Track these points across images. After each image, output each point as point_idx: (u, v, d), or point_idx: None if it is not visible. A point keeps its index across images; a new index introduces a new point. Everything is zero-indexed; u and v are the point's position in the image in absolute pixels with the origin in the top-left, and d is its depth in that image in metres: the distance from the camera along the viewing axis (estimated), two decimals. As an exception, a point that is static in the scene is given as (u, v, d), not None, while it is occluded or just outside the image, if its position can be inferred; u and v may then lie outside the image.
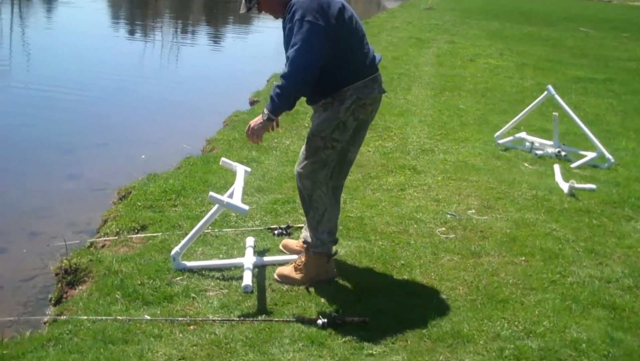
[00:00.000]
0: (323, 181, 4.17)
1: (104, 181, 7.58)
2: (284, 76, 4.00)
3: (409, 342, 3.78)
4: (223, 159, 5.16)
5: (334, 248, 4.47)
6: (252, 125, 4.15)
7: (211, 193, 4.42)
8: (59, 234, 5.95)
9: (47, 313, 4.75)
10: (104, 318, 3.98)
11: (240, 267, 4.62)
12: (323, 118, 4.11)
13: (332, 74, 4.06)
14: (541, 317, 4.08)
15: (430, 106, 10.54)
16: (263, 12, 4.28)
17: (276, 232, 5.26)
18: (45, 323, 4.45)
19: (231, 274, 4.58)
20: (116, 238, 5.35)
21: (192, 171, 6.87)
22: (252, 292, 4.32)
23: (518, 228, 5.50)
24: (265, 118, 4.08)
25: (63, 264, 4.90)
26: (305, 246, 4.43)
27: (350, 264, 4.75)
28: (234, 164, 5.04)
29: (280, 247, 4.96)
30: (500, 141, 8.20)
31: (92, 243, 5.51)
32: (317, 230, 4.22)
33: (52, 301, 4.87)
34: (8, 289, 5.13)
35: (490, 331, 3.89)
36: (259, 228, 5.36)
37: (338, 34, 4.01)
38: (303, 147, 4.34)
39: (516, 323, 4.00)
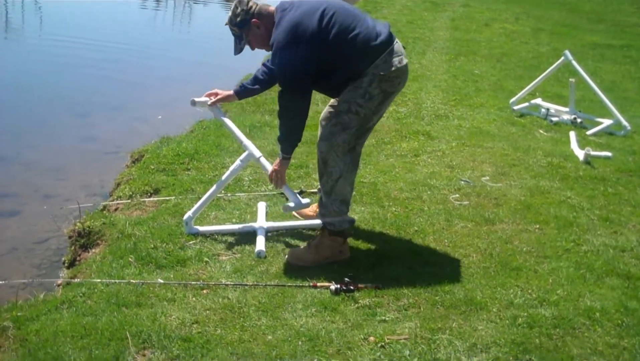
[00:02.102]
0: (341, 144, 4.07)
1: (117, 143, 7.58)
2: (280, 122, 4.13)
3: (421, 309, 3.77)
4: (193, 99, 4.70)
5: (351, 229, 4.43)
6: (274, 170, 4.28)
7: (286, 205, 4.45)
8: (73, 196, 5.95)
9: (61, 275, 4.78)
10: (117, 281, 3.99)
11: (253, 232, 4.61)
12: (348, 90, 4.05)
13: (341, 72, 4.05)
14: (555, 285, 4.07)
15: (444, 71, 10.45)
16: (256, 48, 4.32)
17: (289, 197, 5.24)
18: (59, 285, 4.47)
19: (244, 239, 4.57)
20: (129, 201, 5.36)
21: (205, 134, 6.84)
22: (265, 257, 4.32)
23: (532, 195, 5.46)
24: (281, 159, 4.23)
25: (76, 227, 4.91)
26: (321, 227, 4.41)
27: (364, 230, 4.74)
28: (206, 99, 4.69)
29: (294, 212, 4.94)
30: (516, 107, 8.13)
31: (105, 206, 5.53)
32: (329, 196, 4.16)
33: (66, 264, 4.90)
34: (22, 251, 5.16)
35: (503, 299, 3.87)
36: (272, 193, 5.34)
37: (327, 42, 3.96)
38: (325, 110, 4.32)
39: (529, 291, 3.98)
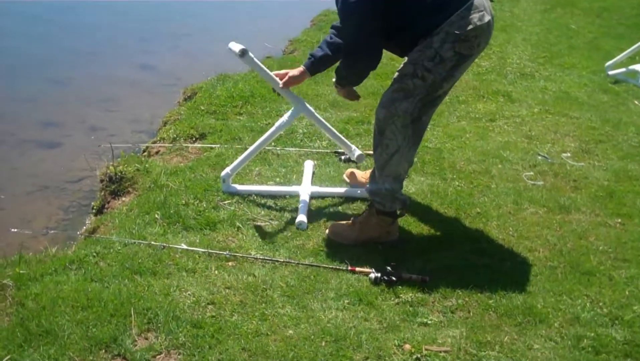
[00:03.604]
0: (402, 114, 3.47)
1: (176, 74, 7.19)
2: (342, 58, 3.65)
3: (470, 313, 3.25)
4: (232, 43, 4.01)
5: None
6: (294, 75, 3.90)
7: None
8: (119, 131, 5.66)
9: (87, 221, 4.45)
10: (137, 241, 3.62)
11: (296, 196, 4.16)
12: (417, 49, 3.43)
13: (408, 28, 3.43)
14: (631, 299, 3.46)
15: (537, 22, 9.65)
16: None
17: (343, 157, 4.74)
18: (81, 234, 4.14)
19: (285, 203, 4.14)
20: (171, 145, 4.96)
21: (265, 75, 6.36)
22: (305, 229, 3.86)
23: (618, 180, 4.80)
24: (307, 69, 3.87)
25: (109, 171, 4.55)
26: (369, 201, 3.89)
27: (419, 205, 4.22)
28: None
29: (344, 176, 4.45)
30: (611, 72, 7.34)
31: (146, 148, 5.16)
32: (382, 172, 3.62)
33: (94, 210, 4.57)
34: (52, 190, 4.86)
35: (568, 311, 3.31)
36: (325, 151, 4.86)
37: None
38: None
39: (601, 304, 3.40)
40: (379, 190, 3.65)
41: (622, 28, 9.83)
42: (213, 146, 4.85)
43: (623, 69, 7.34)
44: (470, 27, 3.32)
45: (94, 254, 3.52)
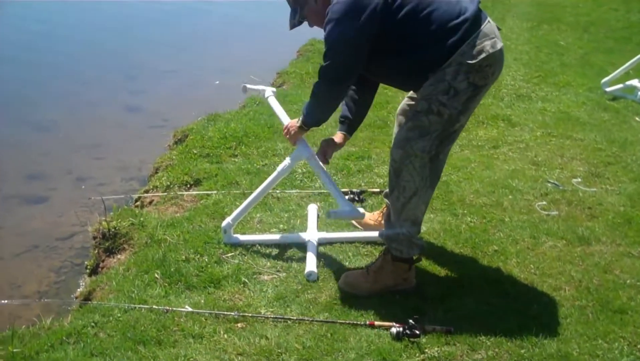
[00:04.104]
0: (419, 154, 3.23)
1: (163, 116, 6.97)
2: (312, 94, 3.46)
3: (503, 366, 3.03)
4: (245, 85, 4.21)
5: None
6: (290, 126, 3.71)
7: (332, 210, 3.66)
8: (108, 180, 5.42)
9: (81, 283, 4.19)
10: (137, 306, 3.36)
11: (302, 243, 3.93)
12: (429, 84, 3.21)
13: (413, 58, 3.22)
14: (670, 338, 3.26)
15: (526, 40, 9.53)
16: (314, 25, 3.51)
17: (347, 197, 4.50)
18: (76, 297, 3.88)
19: (291, 252, 3.91)
20: (165, 194, 4.72)
21: (258, 112, 6.17)
22: (316, 280, 3.62)
23: (634, 205, 4.60)
24: (299, 125, 3.63)
25: (101, 227, 4.30)
26: (383, 249, 3.65)
27: (433, 246, 3.99)
28: (263, 88, 4.23)
29: (352, 221, 4.21)
30: (608, 89, 7.21)
31: (139, 198, 4.91)
32: (399, 216, 3.38)
33: (88, 270, 4.31)
34: (42, 249, 4.59)
35: (606, 357, 3.08)
36: (327, 192, 4.62)
37: (395, 20, 3.13)
38: (402, 103, 3.66)
39: (639, 346, 3.19)
40: (396, 235, 3.41)
41: (611, 42, 9.74)
42: (209, 192, 4.61)
43: (620, 85, 7.19)
44: (483, 55, 3.11)
45: (92, 324, 3.26)
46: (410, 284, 3.56)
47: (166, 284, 3.58)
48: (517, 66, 8.08)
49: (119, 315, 3.32)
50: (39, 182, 5.51)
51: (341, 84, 3.33)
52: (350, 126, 3.78)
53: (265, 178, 3.95)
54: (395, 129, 3.80)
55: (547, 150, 5.53)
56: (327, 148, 3.81)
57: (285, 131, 3.73)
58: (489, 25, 3.19)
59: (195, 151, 5.31)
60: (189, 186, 4.83)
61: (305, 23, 3.52)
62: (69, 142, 6.23)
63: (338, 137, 3.80)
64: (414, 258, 3.52)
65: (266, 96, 4.15)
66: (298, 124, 3.61)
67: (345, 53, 3.21)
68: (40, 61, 8.73)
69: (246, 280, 3.61)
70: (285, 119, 3.87)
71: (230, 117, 6.02)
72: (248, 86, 4.17)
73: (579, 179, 4.97)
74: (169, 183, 4.87)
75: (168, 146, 5.94)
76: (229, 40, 10.28)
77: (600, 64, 8.35)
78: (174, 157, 5.33)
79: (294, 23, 3.52)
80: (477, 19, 3.16)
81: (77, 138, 6.33)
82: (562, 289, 3.60)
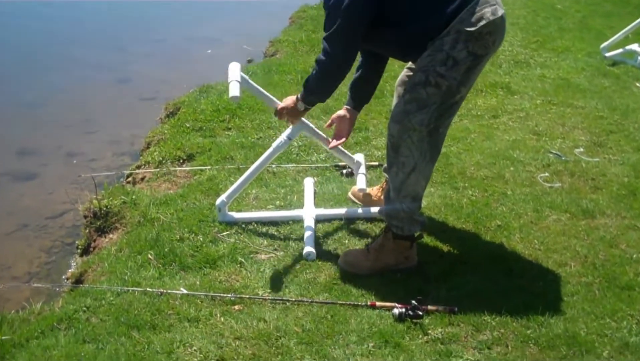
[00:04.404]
0: (417, 127, 3.12)
1: (155, 87, 6.80)
2: (315, 68, 3.27)
3: (509, 348, 2.92)
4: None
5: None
6: (286, 106, 3.52)
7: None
8: (99, 155, 5.29)
9: (72, 264, 4.08)
10: (131, 289, 3.25)
11: (299, 220, 3.82)
12: (427, 54, 3.09)
13: (410, 27, 3.11)
14: (680, 316, 3.17)
15: (522, 4, 9.34)
16: None
17: (344, 171, 4.40)
18: (67, 278, 3.77)
19: (288, 230, 3.80)
20: (158, 170, 4.59)
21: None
22: (315, 259, 3.51)
23: (638, 175, 4.48)
24: (298, 105, 3.45)
25: (92, 206, 4.17)
26: (384, 227, 3.53)
27: (434, 221, 3.88)
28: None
29: (350, 195, 4.10)
30: (608, 54, 7.04)
31: (130, 174, 4.78)
32: (398, 193, 3.28)
33: (79, 250, 4.19)
34: (32, 228, 4.46)
35: (615, 337, 2.99)
36: (325, 165, 4.51)
37: None
38: (401, 74, 3.54)
39: (649, 324, 3.10)
40: (396, 212, 3.30)
41: (609, 5, 9.54)
42: (203, 168, 4.48)
43: (620, 50, 7.03)
44: (483, 22, 2.98)
45: (84, 308, 3.16)
46: (412, 262, 3.46)
47: (160, 266, 3.48)
48: (514, 30, 7.90)
49: (111, 298, 3.22)
50: (29, 157, 5.38)
51: (345, 52, 3.17)
52: (359, 101, 3.69)
53: (260, 152, 3.84)
54: (394, 100, 3.68)
55: (548, 119, 5.40)
56: (341, 125, 3.68)
57: (282, 110, 3.55)
58: None
59: (187, 125, 5.18)
60: (181, 161, 4.70)
61: None
62: (58, 117, 6.09)
63: (348, 113, 3.69)
64: (416, 235, 3.41)
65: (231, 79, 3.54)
66: (299, 105, 3.44)
67: (347, 17, 3.06)
68: (28, 38, 8.53)
69: (242, 260, 3.51)
70: (274, 101, 3.69)
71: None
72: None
73: (582, 149, 4.85)
74: (161, 159, 4.74)
75: (159, 119, 5.80)
76: (220, 9, 10.05)
77: (599, 28, 8.18)
78: (165, 131, 5.19)
79: None
80: None
81: (66, 113, 6.18)
82: (568, 265, 3.51)
